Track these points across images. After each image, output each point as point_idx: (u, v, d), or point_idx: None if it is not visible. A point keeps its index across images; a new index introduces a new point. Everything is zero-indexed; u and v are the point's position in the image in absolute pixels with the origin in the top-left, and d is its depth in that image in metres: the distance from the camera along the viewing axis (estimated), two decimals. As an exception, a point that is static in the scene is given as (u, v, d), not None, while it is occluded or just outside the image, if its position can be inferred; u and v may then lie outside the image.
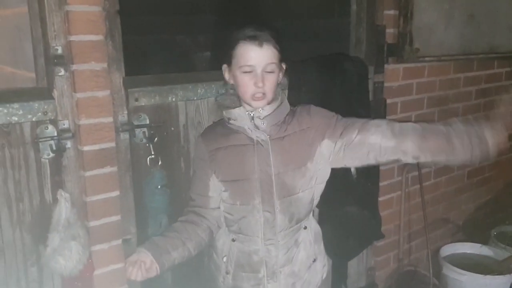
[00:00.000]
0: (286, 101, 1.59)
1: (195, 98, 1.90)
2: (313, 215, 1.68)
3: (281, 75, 1.55)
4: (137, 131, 1.77)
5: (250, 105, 1.51)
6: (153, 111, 1.80)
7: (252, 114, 1.52)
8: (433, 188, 2.97)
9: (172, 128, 1.88)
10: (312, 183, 1.58)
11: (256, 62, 1.45)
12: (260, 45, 1.44)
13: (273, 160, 1.52)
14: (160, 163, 1.79)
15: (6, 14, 1.81)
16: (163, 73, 1.85)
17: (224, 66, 1.56)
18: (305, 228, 1.62)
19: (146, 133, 1.78)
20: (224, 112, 1.57)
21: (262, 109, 1.50)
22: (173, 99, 1.84)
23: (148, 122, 1.79)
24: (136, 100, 1.75)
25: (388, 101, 2.52)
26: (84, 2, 1.53)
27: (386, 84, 2.50)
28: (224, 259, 1.62)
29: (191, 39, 3.42)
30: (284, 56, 1.52)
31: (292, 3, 3.25)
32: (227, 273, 1.62)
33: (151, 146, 1.77)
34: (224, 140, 1.56)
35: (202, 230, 1.60)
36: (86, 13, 1.54)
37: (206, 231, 1.61)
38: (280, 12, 3.35)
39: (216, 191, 1.59)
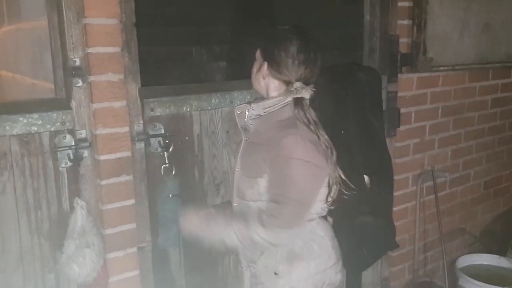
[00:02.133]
0: (281, 113, 1.51)
1: (209, 108, 1.92)
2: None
3: (262, 70, 1.53)
4: (152, 140, 1.80)
5: None
6: (168, 121, 1.83)
7: (247, 112, 1.56)
8: (448, 198, 2.94)
9: (187, 138, 1.90)
10: (264, 198, 1.51)
11: None
12: None
13: (239, 161, 1.59)
14: (174, 172, 1.82)
15: (27, 27, 1.87)
16: (178, 83, 1.88)
17: None
18: None
19: (161, 143, 1.81)
20: None
21: (253, 108, 1.54)
22: (188, 109, 1.87)
23: (163, 131, 1.82)
24: (152, 110, 1.79)
25: (402, 110, 2.52)
26: (102, 15, 1.58)
27: (399, 94, 2.50)
28: None
29: (206, 50, 3.47)
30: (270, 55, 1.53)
31: (306, 14, 3.27)
32: None
33: (165, 155, 1.80)
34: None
35: None
36: (103, 25, 1.59)
37: None
38: (295, 23, 3.38)
39: None
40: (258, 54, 1.57)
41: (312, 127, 1.49)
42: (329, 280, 1.60)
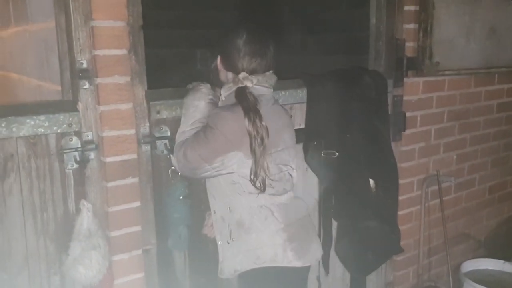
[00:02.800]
0: (233, 98, 1.64)
1: (215, 111, 1.92)
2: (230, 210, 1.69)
3: (218, 63, 1.72)
4: (158, 143, 1.80)
5: None
6: (174, 123, 1.83)
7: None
8: (453, 202, 2.93)
9: (192, 140, 1.90)
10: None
11: None
12: None
13: None
14: (180, 174, 1.82)
15: (35, 29, 1.88)
16: (184, 86, 1.88)
17: None
18: (215, 212, 1.74)
19: (167, 145, 1.81)
20: None
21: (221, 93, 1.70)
22: (194, 112, 1.87)
23: (169, 134, 1.82)
24: (158, 112, 1.79)
25: (408, 114, 2.51)
26: (109, 18, 1.59)
27: (405, 98, 2.50)
28: None
29: (211, 53, 3.48)
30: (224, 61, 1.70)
31: (313, 17, 3.28)
32: None
33: (172, 157, 1.80)
34: None
35: None
36: (111, 28, 1.59)
37: None
38: (300, 27, 3.39)
39: None
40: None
41: (251, 114, 1.58)
42: (274, 257, 1.65)
